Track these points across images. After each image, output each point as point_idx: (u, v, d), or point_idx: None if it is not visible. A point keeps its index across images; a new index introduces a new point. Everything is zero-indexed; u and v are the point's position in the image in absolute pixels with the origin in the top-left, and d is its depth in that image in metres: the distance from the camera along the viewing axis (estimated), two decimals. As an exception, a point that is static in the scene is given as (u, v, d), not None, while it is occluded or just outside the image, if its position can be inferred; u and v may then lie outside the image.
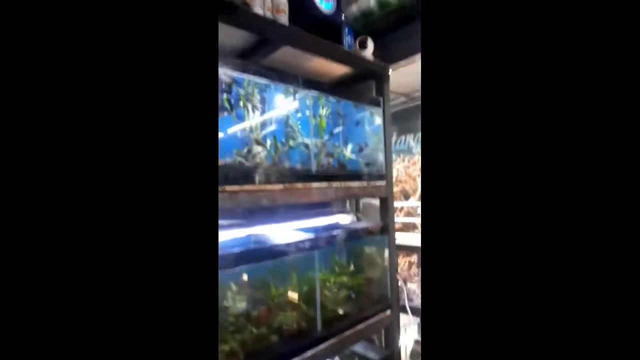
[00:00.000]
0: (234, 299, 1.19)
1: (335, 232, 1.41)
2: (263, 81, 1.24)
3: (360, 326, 1.43)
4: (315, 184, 1.29)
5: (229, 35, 1.16)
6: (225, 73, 1.14)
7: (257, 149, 1.26)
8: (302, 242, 1.28)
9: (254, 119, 1.29)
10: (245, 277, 1.21)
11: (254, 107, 1.29)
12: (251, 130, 1.28)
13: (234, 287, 1.18)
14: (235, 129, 1.26)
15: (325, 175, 1.35)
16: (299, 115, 1.39)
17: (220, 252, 1.00)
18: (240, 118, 1.27)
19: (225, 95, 1.23)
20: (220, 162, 1.14)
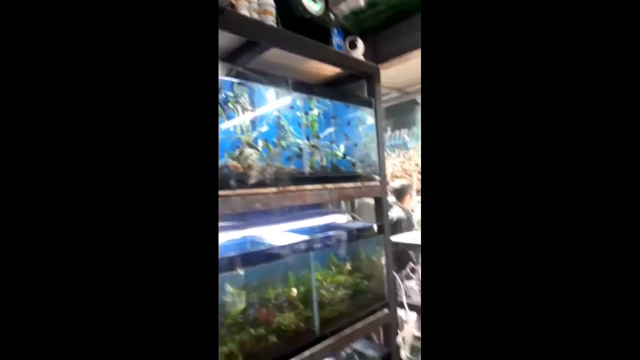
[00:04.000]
0: (232, 301, 1.20)
1: (330, 233, 1.42)
2: (250, 84, 1.23)
3: (359, 325, 1.45)
4: (309, 187, 1.30)
5: (217, 38, 1.16)
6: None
7: (249, 151, 1.25)
8: (298, 243, 1.28)
9: (244, 121, 1.28)
10: (241, 279, 1.22)
11: (244, 109, 1.27)
12: (242, 132, 1.27)
13: (231, 289, 1.20)
14: (225, 132, 1.24)
15: (318, 178, 1.35)
16: (290, 116, 1.39)
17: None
18: (231, 120, 1.25)
19: (216, 99, 1.21)
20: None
